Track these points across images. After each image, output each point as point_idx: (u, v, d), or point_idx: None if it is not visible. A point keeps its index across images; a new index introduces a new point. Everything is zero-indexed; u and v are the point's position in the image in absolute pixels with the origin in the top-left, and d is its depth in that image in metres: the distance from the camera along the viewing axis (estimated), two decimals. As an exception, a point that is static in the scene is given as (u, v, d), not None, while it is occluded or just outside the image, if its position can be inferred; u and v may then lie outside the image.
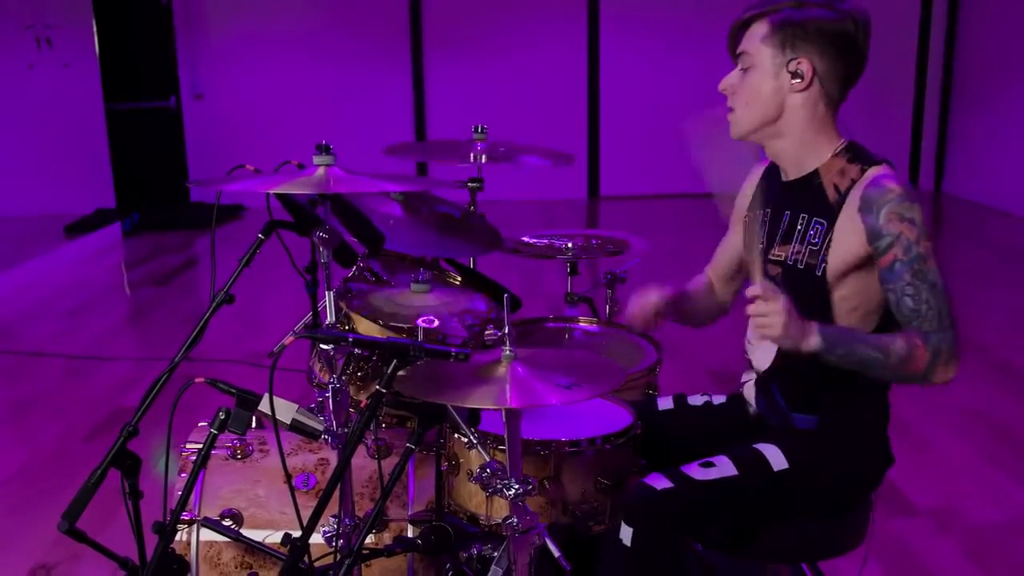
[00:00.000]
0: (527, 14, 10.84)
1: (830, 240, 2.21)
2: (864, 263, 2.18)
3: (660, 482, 2.21)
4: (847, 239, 2.19)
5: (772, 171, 2.43)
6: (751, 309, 2.09)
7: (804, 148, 2.28)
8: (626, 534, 2.19)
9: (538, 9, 10.85)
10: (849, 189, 2.20)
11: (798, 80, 2.22)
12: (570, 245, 3.38)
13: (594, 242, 3.48)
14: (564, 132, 10.78)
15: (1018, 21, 9.69)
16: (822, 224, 2.23)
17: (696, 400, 2.65)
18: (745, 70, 2.27)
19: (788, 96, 2.24)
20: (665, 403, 2.66)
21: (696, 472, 2.24)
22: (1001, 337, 5.97)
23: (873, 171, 2.20)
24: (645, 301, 2.58)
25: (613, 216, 10.23)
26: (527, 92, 10.86)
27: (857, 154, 2.25)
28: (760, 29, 2.24)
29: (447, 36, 10.85)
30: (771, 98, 2.24)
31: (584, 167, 11.11)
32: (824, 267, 2.22)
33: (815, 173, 2.27)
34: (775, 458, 2.27)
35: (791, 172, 2.33)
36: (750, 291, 2.10)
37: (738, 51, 2.29)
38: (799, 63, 2.21)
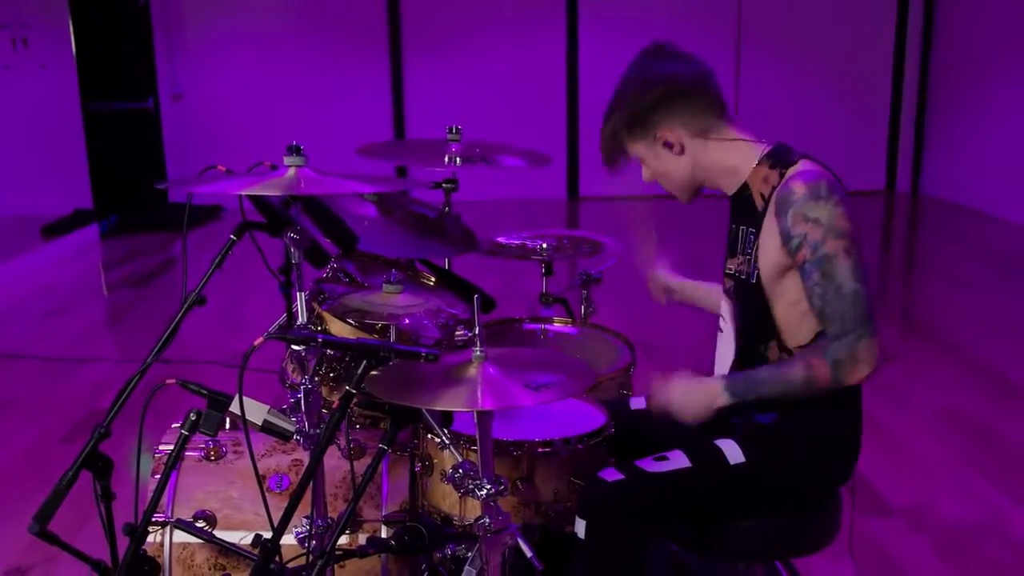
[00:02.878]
0: (506, 14, 10.85)
1: (757, 247, 2.26)
2: (793, 265, 2.22)
3: (612, 475, 2.24)
4: (768, 244, 2.24)
5: None
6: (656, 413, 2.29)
7: (728, 174, 2.36)
8: (580, 527, 2.22)
9: (517, 9, 10.85)
10: (771, 195, 2.24)
11: (675, 147, 2.34)
12: (544, 246, 3.38)
13: (565, 242, 3.48)
14: (543, 132, 10.79)
15: (994, 22, 9.75)
16: (752, 233, 2.29)
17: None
18: (643, 164, 2.44)
19: (681, 160, 2.35)
20: (638, 403, 2.67)
21: (649, 465, 2.27)
22: (976, 337, 6.00)
23: (789, 172, 2.23)
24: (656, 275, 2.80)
25: (593, 216, 10.24)
26: (506, 92, 10.86)
27: (777, 159, 2.29)
28: (621, 135, 2.42)
29: (425, 36, 10.84)
30: (675, 171, 2.38)
31: (563, 167, 11.12)
32: (757, 274, 2.27)
33: (745, 185, 2.33)
34: (731, 451, 2.29)
35: (729, 190, 2.40)
36: (649, 403, 2.34)
37: (630, 157, 2.46)
38: (662, 138, 2.34)
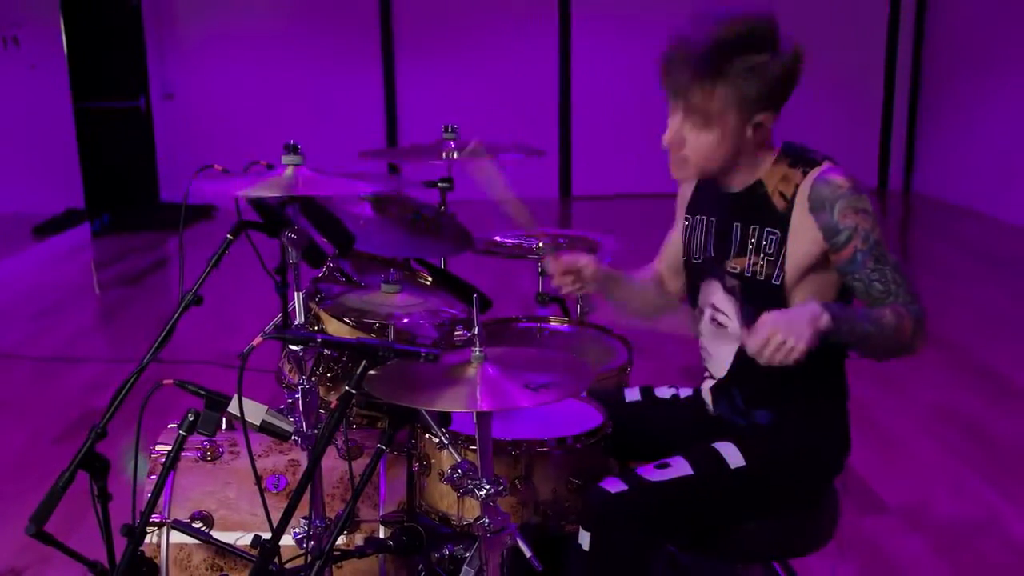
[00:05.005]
0: (498, 14, 10.84)
1: (785, 249, 2.22)
2: (820, 262, 2.19)
3: (615, 485, 2.21)
4: (802, 243, 2.19)
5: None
6: (765, 357, 2.01)
7: (749, 167, 2.27)
8: (584, 539, 2.20)
9: (509, 9, 10.84)
10: (795, 194, 2.20)
11: (761, 129, 2.20)
12: (540, 245, 3.38)
13: (561, 241, 3.48)
14: (536, 131, 10.77)
15: (986, 20, 9.77)
16: (775, 234, 2.22)
17: (663, 392, 2.65)
18: (698, 125, 2.20)
19: (745, 141, 2.21)
20: (632, 395, 2.66)
21: (651, 473, 2.24)
22: (970, 335, 6.01)
23: (815, 171, 2.20)
24: (574, 260, 2.50)
25: (585, 215, 10.24)
26: (499, 92, 10.85)
27: (797, 157, 2.25)
28: (730, 94, 2.14)
29: (418, 35, 10.83)
30: (731, 150, 2.22)
31: (556, 166, 11.12)
32: (783, 276, 2.22)
33: (759, 183, 2.26)
34: (732, 456, 2.28)
35: (735, 185, 2.30)
36: (752, 350, 2.03)
37: (688, 111, 2.20)
38: (763, 118, 2.18)
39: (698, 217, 2.43)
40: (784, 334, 1.98)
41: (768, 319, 2.02)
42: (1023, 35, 9.10)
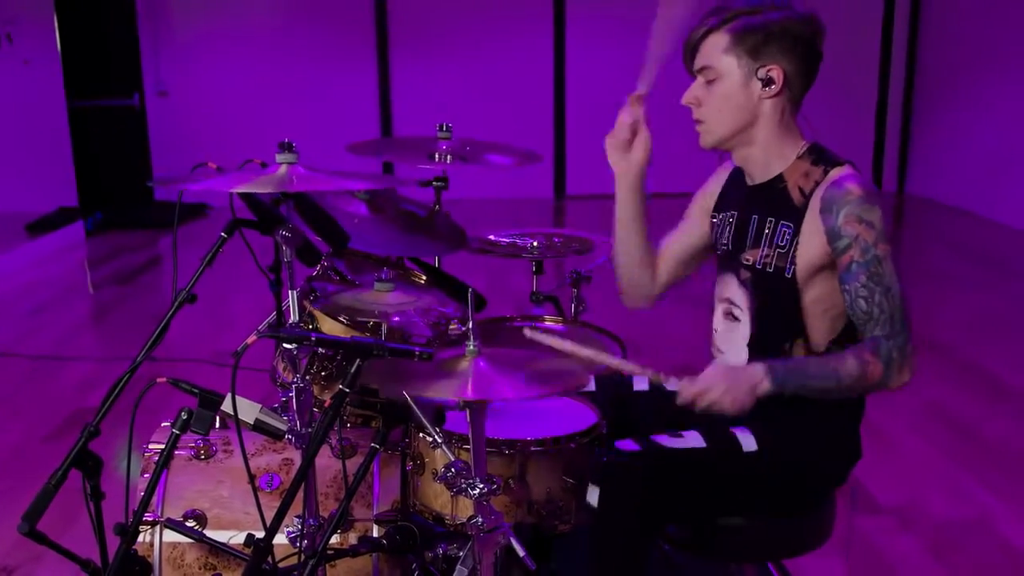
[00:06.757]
0: (493, 12, 10.82)
1: (797, 242, 2.23)
2: (829, 264, 2.20)
3: (628, 445, 2.22)
4: (812, 241, 2.21)
5: (737, 174, 2.44)
6: (699, 408, 2.15)
7: (772, 152, 2.29)
8: (593, 495, 2.19)
9: (504, 7, 10.83)
10: (813, 191, 2.22)
11: (771, 87, 2.22)
12: (535, 244, 3.38)
13: (556, 240, 3.48)
14: (531, 131, 10.77)
15: (980, 21, 9.77)
16: (789, 227, 2.24)
17: (673, 384, 2.66)
18: (710, 82, 2.26)
19: (760, 103, 2.24)
20: (641, 384, 2.66)
21: (664, 440, 2.26)
22: (963, 336, 6.01)
23: (835, 172, 2.21)
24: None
25: (579, 215, 10.24)
26: (493, 91, 10.84)
27: (820, 156, 2.27)
28: (719, 41, 2.23)
29: (413, 34, 10.81)
30: (743, 107, 2.25)
31: (550, 166, 11.11)
32: (793, 269, 2.24)
33: (780, 177, 2.29)
34: (745, 440, 2.28)
35: (757, 176, 2.34)
36: (682, 398, 2.16)
37: (698, 67, 2.28)
38: (769, 70, 2.21)
39: (724, 214, 2.46)
40: (720, 395, 2.12)
41: (710, 375, 2.14)
42: (1016, 37, 9.12)
